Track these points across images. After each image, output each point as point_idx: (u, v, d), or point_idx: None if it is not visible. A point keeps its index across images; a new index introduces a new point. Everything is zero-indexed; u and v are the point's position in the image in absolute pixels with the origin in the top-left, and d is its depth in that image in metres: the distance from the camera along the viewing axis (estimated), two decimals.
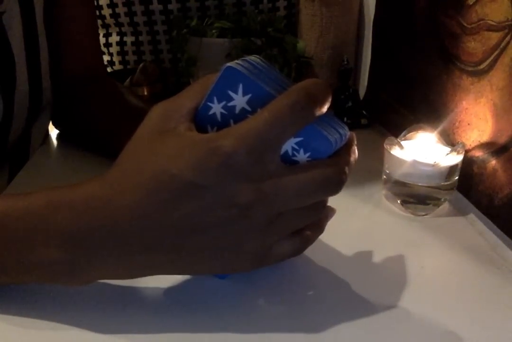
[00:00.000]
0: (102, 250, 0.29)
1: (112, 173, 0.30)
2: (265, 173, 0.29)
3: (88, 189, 0.30)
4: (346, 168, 0.31)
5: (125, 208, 0.29)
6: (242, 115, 0.29)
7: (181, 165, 0.28)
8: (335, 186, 0.30)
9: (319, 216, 0.33)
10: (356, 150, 0.33)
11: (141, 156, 0.30)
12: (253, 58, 0.30)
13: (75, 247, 0.29)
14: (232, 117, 0.30)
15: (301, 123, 0.29)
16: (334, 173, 0.30)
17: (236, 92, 0.29)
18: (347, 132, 0.32)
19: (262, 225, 0.30)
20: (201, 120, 0.31)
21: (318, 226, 0.35)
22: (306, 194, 0.30)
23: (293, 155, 0.30)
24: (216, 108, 0.30)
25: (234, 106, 0.29)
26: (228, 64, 0.29)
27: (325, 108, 0.29)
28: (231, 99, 0.29)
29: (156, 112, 0.31)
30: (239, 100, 0.29)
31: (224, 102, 0.30)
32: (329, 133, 0.30)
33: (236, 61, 0.29)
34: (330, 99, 0.29)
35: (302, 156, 0.30)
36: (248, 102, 0.29)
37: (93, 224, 0.29)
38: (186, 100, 0.31)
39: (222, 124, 0.30)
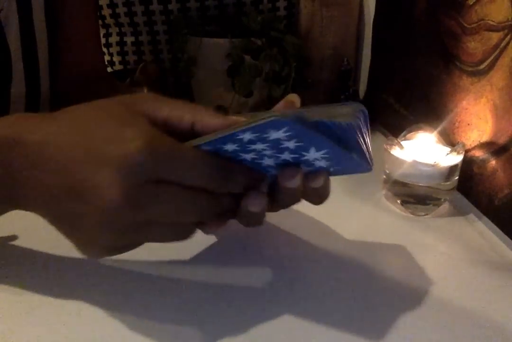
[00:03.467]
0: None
1: (54, 122, 0.31)
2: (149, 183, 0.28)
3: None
4: (227, 199, 0.31)
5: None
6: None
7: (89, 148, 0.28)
8: (205, 213, 0.31)
9: (180, 239, 0.32)
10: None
11: (81, 125, 0.30)
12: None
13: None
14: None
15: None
16: (205, 201, 0.30)
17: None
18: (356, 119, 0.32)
19: (120, 225, 0.29)
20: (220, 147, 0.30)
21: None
22: (171, 211, 0.30)
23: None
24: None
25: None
26: (280, 118, 0.27)
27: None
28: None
29: (145, 96, 0.32)
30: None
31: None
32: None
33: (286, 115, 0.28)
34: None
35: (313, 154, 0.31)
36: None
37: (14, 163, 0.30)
38: (181, 111, 0.32)
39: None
